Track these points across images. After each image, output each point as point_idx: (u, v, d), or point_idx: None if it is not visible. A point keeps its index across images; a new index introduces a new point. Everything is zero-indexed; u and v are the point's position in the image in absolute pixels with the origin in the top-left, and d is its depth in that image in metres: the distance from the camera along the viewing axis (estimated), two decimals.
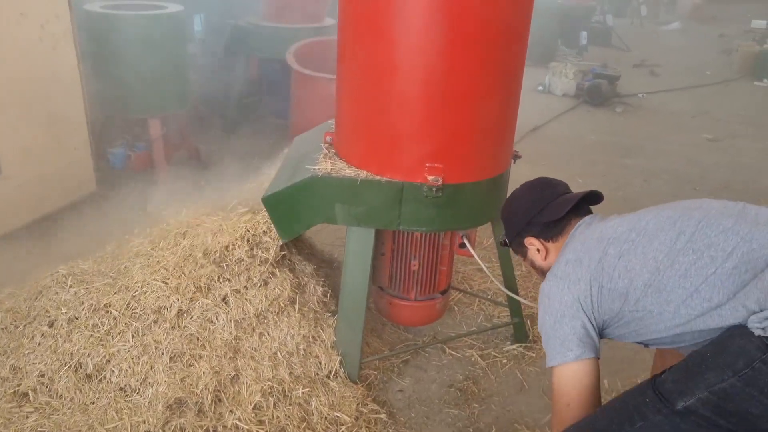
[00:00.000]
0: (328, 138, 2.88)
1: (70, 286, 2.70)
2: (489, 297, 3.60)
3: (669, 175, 5.62)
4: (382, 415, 2.69)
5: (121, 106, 4.32)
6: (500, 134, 2.63)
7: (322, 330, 2.81)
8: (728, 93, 8.64)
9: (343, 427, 2.56)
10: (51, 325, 2.63)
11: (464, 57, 2.36)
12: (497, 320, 3.44)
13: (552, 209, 2.00)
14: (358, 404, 2.69)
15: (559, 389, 1.80)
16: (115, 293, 2.63)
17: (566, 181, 2.11)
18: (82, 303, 2.63)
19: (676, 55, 10.95)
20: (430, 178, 2.50)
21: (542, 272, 2.07)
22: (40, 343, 2.61)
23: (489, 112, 2.52)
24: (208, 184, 3.96)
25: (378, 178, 2.56)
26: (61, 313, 2.62)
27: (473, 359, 3.12)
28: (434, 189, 2.52)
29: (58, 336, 2.58)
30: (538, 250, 2.05)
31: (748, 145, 6.55)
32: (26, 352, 2.60)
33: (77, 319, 2.60)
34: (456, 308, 3.53)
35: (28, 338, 2.64)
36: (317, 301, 2.91)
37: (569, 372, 1.77)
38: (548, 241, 2.03)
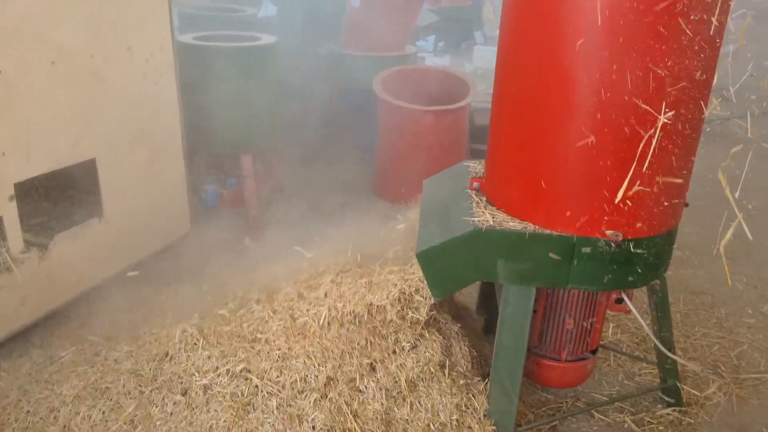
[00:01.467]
0: (476, 184, 2.64)
1: (203, 349, 2.47)
2: (624, 350, 3.32)
3: None
4: None
5: (214, 142, 4.12)
6: (685, 180, 2.36)
7: (474, 397, 2.54)
8: None
9: None
10: (184, 393, 2.39)
11: (656, 97, 2.10)
12: (639, 378, 3.15)
13: None
14: None
15: None
16: (253, 358, 2.39)
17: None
18: (217, 368, 2.39)
19: (741, 78, 10.58)
20: (608, 232, 2.24)
21: None
22: (172, 413, 2.37)
23: (675, 156, 2.26)
24: (312, 227, 3.73)
25: (548, 231, 2.30)
26: (195, 380, 2.38)
27: (626, 425, 2.83)
28: (612, 245, 2.26)
29: (194, 406, 2.34)
30: None
31: None
32: (157, 422, 2.36)
33: (214, 386, 2.36)
34: None
35: (157, 407, 2.41)
36: (465, 364, 2.64)
37: None
38: None
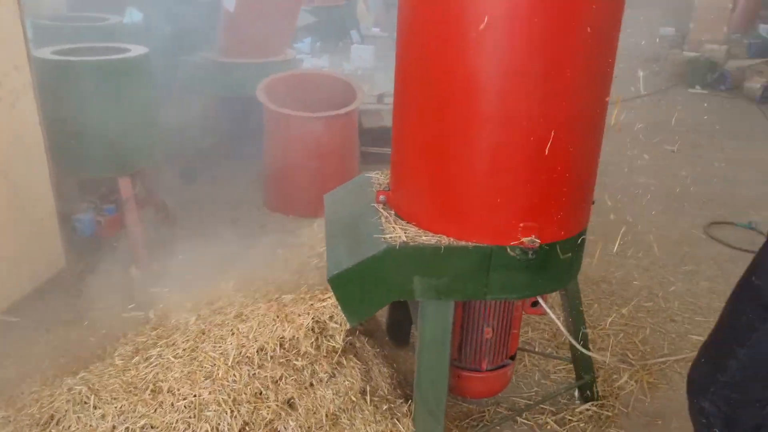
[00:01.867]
0: (382, 197, 2.50)
1: (95, 407, 2.17)
2: (537, 350, 3.31)
3: (651, 194, 5.53)
4: None
5: (86, 165, 3.73)
6: (593, 179, 2.35)
7: (399, 421, 2.41)
8: (668, 102, 8.81)
9: None
10: None
11: (568, 101, 2.06)
12: (555, 375, 3.15)
13: None
14: None
15: None
16: (154, 411, 2.14)
17: None
18: (114, 428, 2.12)
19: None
20: (525, 239, 2.18)
21: None
22: None
23: (586, 156, 2.24)
24: (204, 250, 3.45)
25: (463, 243, 2.21)
26: None
27: (549, 427, 2.81)
28: (530, 252, 2.20)
29: None
30: None
31: (710, 155, 6.63)
32: None
33: None
34: None
35: None
36: (386, 387, 2.51)
37: None
38: None
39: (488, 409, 2.90)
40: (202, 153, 5.59)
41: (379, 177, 2.76)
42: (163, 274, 3.36)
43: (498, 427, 2.80)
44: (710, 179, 5.91)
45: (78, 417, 2.16)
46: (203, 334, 2.34)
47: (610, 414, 2.88)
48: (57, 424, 2.19)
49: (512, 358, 2.75)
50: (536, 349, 3.31)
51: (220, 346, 2.25)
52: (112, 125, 3.70)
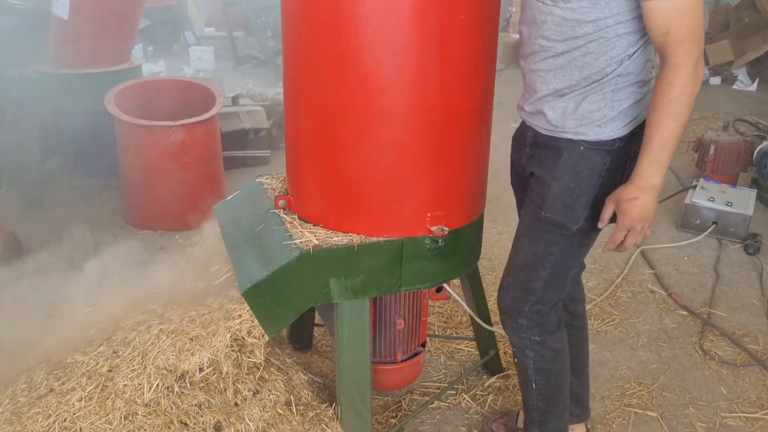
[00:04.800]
0: (282, 202, 2.43)
1: None
2: (437, 333, 3.40)
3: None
4: None
5: None
6: (487, 162, 2.44)
7: (327, 426, 2.37)
8: (505, 82, 9.31)
9: None
10: None
11: (461, 90, 2.12)
12: (459, 355, 3.25)
13: None
14: None
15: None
16: None
17: None
18: None
19: None
20: (433, 228, 2.23)
21: None
22: None
23: (482, 141, 2.32)
24: (74, 277, 3.18)
25: (374, 239, 2.21)
26: None
27: (464, 404, 2.90)
28: (439, 240, 2.24)
29: None
30: None
31: None
32: None
33: None
34: None
35: None
36: (309, 394, 2.45)
37: None
38: None
39: (403, 399, 2.93)
40: (48, 174, 5.14)
41: (272, 181, 2.68)
42: (32, 311, 3.06)
43: (411, 413, 2.83)
44: None
45: None
46: (110, 371, 2.15)
47: (515, 382, 3.02)
48: None
49: (423, 345, 2.80)
50: (436, 333, 3.40)
51: (132, 381, 2.09)
52: None
